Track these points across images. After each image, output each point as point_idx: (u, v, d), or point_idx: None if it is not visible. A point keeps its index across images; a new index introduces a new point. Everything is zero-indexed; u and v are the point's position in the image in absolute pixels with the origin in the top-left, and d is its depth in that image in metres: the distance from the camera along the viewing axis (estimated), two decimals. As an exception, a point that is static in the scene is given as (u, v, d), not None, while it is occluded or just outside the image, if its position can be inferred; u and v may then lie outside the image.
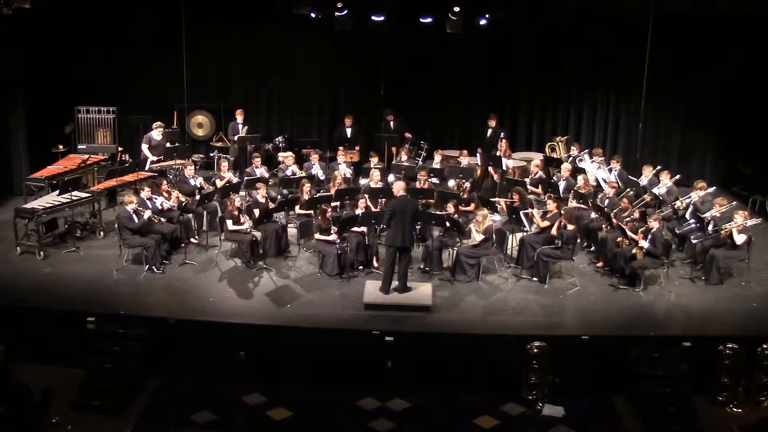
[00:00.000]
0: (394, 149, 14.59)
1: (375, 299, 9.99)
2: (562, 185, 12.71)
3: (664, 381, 8.99)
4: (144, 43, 14.76)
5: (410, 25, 14.35)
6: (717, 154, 15.43)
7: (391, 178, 12.99)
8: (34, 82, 13.94)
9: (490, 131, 14.78)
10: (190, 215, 11.88)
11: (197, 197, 12.11)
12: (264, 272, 10.90)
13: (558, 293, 10.47)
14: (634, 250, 10.45)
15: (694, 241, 11.01)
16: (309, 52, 15.34)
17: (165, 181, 12.17)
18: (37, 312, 9.70)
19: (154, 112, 14.84)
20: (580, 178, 12.55)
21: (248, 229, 11.12)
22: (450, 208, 11.06)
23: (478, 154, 14.45)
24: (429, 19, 14.13)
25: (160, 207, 11.36)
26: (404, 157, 14.03)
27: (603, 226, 11.44)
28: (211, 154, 15.07)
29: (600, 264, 11.20)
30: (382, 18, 13.99)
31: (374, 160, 13.44)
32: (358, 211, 11.20)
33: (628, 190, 12.13)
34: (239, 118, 14.81)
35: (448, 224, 10.90)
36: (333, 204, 11.60)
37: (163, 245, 11.06)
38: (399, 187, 10.46)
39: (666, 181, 12.33)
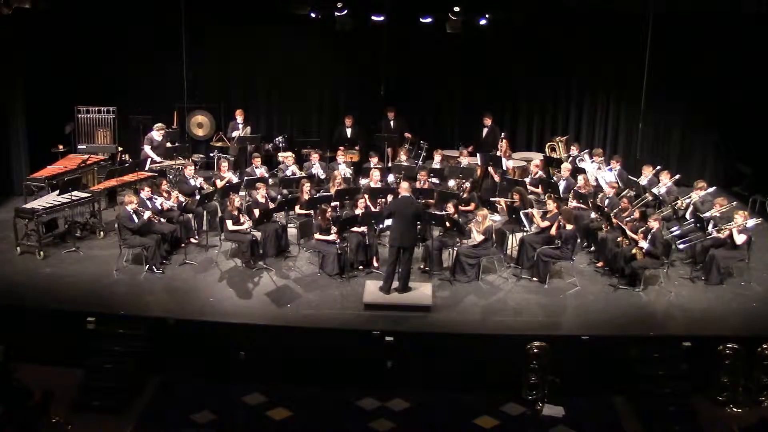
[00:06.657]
0: (390, 150, 14.57)
1: (375, 299, 9.99)
2: (562, 185, 12.70)
3: (664, 381, 8.99)
4: (144, 43, 14.75)
5: (410, 25, 14.34)
6: (717, 154, 15.43)
7: (391, 178, 12.99)
8: (34, 82, 13.93)
9: (486, 130, 14.78)
10: (190, 215, 11.88)
11: (197, 197, 12.10)
12: (264, 272, 10.90)
13: (558, 293, 10.46)
14: (633, 250, 10.45)
15: (684, 246, 10.98)
16: (309, 52, 15.31)
17: (165, 181, 12.18)
18: (37, 312, 9.70)
19: (154, 112, 14.85)
20: (580, 178, 12.55)
21: (248, 229, 11.12)
22: (450, 208, 11.05)
23: (478, 154, 14.44)
24: (429, 19, 14.12)
25: (160, 207, 11.36)
26: (403, 157, 14.03)
27: (603, 226, 11.44)
28: (211, 154, 15.04)
29: (600, 264, 11.20)
30: (382, 18, 13.98)
31: (374, 160, 13.43)
32: (358, 211, 11.20)
33: (628, 190, 12.13)
34: (239, 119, 14.80)
35: (448, 224, 10.90)
36: (333, 204, 11.59)
37: (163, 245, 11.06)
38: (404, 188, 10.47)
39: (666, 181, 12.33)
